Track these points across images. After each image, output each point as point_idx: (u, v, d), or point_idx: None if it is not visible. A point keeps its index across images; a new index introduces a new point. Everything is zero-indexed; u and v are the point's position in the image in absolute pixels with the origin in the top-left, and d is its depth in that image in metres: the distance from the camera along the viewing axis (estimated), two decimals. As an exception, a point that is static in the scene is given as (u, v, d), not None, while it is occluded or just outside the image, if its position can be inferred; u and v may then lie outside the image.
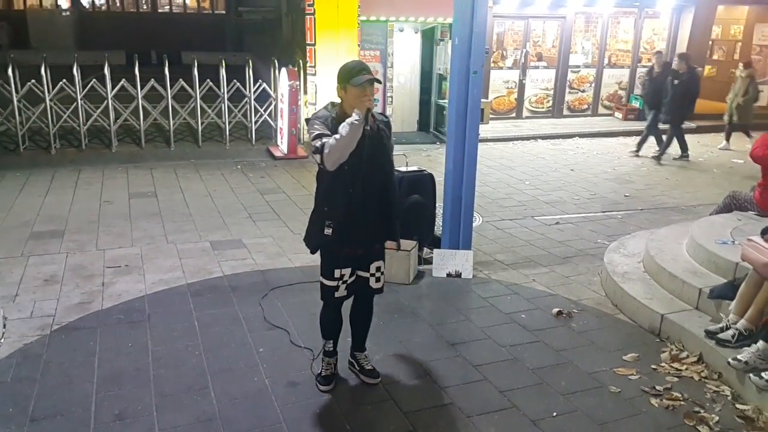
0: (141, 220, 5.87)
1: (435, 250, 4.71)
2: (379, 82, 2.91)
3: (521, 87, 11.87)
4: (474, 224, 5.19)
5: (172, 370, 3.30)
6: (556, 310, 4.12)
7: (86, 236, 5.38)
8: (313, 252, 3.07)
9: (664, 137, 9.06)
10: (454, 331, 3.82)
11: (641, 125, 11.24)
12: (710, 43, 12.69)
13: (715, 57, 12.65)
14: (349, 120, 2.77)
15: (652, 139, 9.21)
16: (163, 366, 3.34)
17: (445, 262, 4.66)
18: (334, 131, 2.80)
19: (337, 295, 3.06)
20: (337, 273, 3.02)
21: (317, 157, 2.82)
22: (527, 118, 11.98)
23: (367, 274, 3.11)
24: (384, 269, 3.17)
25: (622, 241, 5.24)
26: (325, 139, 2.79)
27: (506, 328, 3.89)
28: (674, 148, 9.07)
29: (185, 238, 5.39)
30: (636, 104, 12.19)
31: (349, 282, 3.08)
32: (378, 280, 3.14)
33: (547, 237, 5.67)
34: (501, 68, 11.69)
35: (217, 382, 3.20)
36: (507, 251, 5.28)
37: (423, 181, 4.91)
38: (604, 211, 6.54)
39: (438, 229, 5.08)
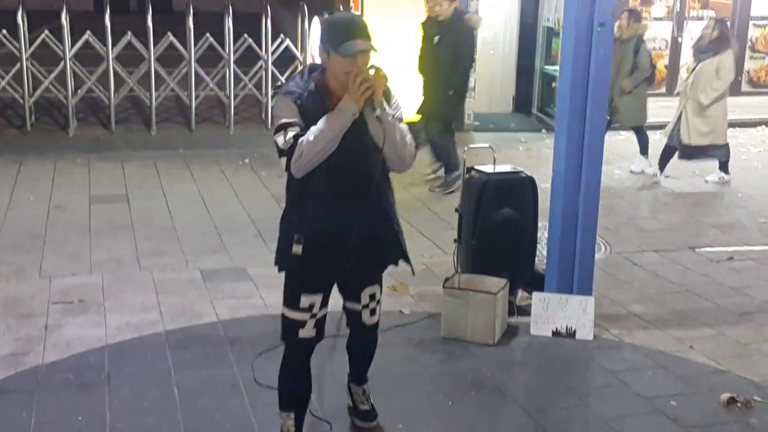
0: (104, 235, 6.03)
1: (535, 294, 4.67)
2: (375, 51, 2.93)
3: (675, 48, 11.60)
4: (597, 256, 5.14)
5: (138, 459, 3.35)
6: (726, 396, 3.99)
7: (26, 257, 5.56)
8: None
9: None
10: (563, 422, 3.77)
11: None
12: None
13: None
14: (336, 111, 2.84)
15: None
16: (124, 453, 3.39)
17: (551, 313, 4.61)
18: (309, 114, 2.89)
19: (302, 334, 3.16)
20: (304, 301, 3.11)
21: (282, 160, 2.93)
22: (684, 94, 11.71)
23: (358, 306, 3.28)
24: (380, 297, 3.36)
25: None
26: (292, 133, 2.88)
27: (647, 421, 3.81)
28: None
29: (165, 264, 5.50)
30: None
31: (319, 317, 3.17)
32: (373, 312, 3.33)
33: (715, 280, 5.55)
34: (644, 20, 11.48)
35: (203, 481, 3.22)
36: (649, 300, 5.19)
37: (519, 189, 4.91)
38: (804, 242, 6.34)
39: (540, 261, 5.03)
